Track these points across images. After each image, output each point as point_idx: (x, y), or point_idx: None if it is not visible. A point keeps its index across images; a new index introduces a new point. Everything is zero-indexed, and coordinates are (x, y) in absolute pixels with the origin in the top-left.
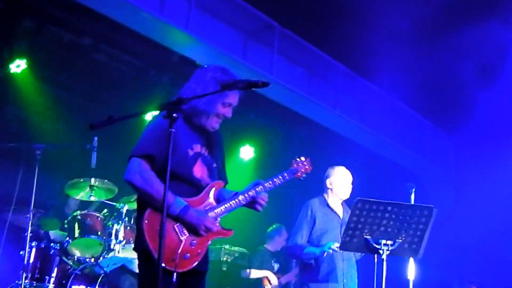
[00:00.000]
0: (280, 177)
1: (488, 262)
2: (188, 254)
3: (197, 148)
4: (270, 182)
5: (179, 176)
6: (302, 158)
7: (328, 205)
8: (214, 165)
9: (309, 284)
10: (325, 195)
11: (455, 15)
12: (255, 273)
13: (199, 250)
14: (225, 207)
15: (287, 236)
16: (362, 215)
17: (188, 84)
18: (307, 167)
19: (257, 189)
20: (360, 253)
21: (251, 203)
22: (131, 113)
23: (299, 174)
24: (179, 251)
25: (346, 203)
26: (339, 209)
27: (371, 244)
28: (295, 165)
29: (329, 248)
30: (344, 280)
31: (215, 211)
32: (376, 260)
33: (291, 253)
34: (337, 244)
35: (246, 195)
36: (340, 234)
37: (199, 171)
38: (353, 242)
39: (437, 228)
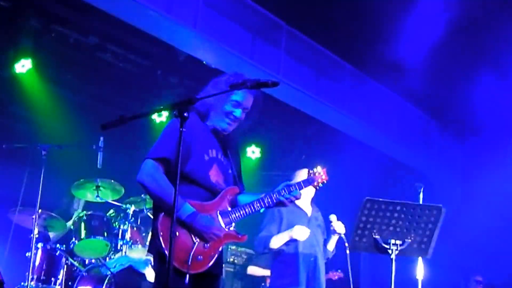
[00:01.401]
0: (296, 185)
1: (496, 261)
2: (201, 256)
3: (213, 153)
4: (292, 187)
5: (195, 181)
6: (319, 169)
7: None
8: (230, 170)
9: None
10: None
11: (469, 17)
12: (259, 272)
13: (212, 253)
14: (240, 213)
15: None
16: (371, 215)
17: (204, 88)
18: (323, 177)
19: (270, 197)
20: (332, 252)
21: (278, 204)
22: (142, 113)
23: (316, 184)
24: (192, 253)
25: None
26: (307, 207)
27: (380, 244)
28: (312, 175)
29: (297, 238)
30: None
31: (230, 217)
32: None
33: (260, 242)
34: (304, 231)
35: (261, 203)
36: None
37: (214, 176)
38: (363, 242)
39: (445, 227)
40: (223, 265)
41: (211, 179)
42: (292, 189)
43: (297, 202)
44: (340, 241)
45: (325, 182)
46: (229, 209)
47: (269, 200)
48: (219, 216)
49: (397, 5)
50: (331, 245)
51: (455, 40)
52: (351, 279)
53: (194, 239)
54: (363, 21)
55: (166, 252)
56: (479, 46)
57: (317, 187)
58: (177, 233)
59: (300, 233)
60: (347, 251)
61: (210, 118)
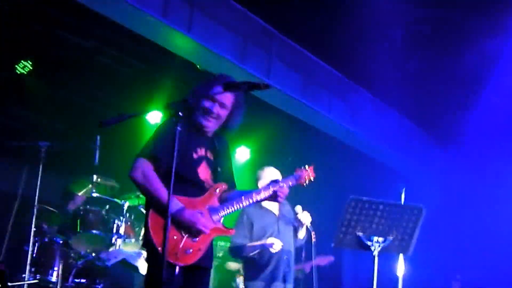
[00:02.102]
0: (283, 182)
1: (473, 260)
2: (190, 250)
3: (202, 151)
4: (280, 183)
5: (184, 177)
6: (307, 167)
7: (260, 206)
8: (219, 169)
9: (249, 282)
10: None
11: (450, 28)
12: (234, 266)
13: (201, 246)
14: (229, 209)
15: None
16: (355, 213)
17: (193, 90)
18: (311, 174)
19: (258, 193)
20: (303, 240)
21: (272, 197)
22: (139, 112)
23: (302, 181)
24: (181, 246)
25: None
26: (273, 207)
27: (363, 241)
28: (299, 172)
29: (270, 246)
30: (285, 279)
31: (219, 212)
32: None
33: (234, 252)
34: (277, 243)
35: (250, 199)
36: (278, 229)
37: (203, 173)
38: (346, 238)
39: (426, 227)
40: (216, 261)
41: (200, 176)
42: (281, 185)
43: (263, 203)
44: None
45: (312, 179)
46: (217, 204)
47: (257, 196)
48: (208, 211)
49: (386, 15)
50: (301, 234)
51: (435, 51)
52: (314, 273)
53: (183, 233)
54: (351, 29)
55: (156, 244)
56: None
57: (304, 184)
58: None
59: (274, 246)
60: (313, 240)
61: (193, 114)
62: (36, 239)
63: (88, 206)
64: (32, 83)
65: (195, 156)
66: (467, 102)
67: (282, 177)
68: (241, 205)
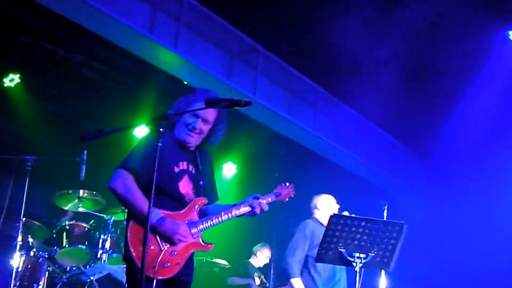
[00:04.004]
0: (264, 197)
1: (454, 275)
2: (168, 263)
3: (183, 165)
4: (260, 199)
5: (164, 191)
6: (287, 184)
7: (321, 224)
8: (201, 182)
9: None
10: (316, 216)
11: (430, 42)
12: (238, 280)
13: (179, 260)
14: (208, 223)
15: (286, 251)
16: (337, 229)
17: (175, 104)
18: (290, 191)
19: (238, 208)
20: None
21: (251, 213)
22: (120, 127)
23: (282, 197)
24: (159, 259)
25: None
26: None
27: (345, 257)
28: (279, 189)
29: None
30: None
31: (198, 226)
32: None
33: (285, 269)
34: None
35: (229, 214)
36: None
37: (184, 187)
38: (328, 254)
39: (407, 243)
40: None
41: (180, 190)
42: (261, 201)
43: (323, 222)
44: None
45: (292, 196)
46: (197, 218)
47: (237, 211)
48: (187, 226)
49: (369, 34)
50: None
51: (416, 69)
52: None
53: (161, 246)
54: (336, 48)
55: (134, 257)
56: (442, 71)
57: (284, 201)
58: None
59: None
60: None
61: (175, 131)
62: (21, 253)
63: (74, 221)
64: (19, 96)
65: (176, 170)
66: (448, 118)
67: None
68: (220, 219)
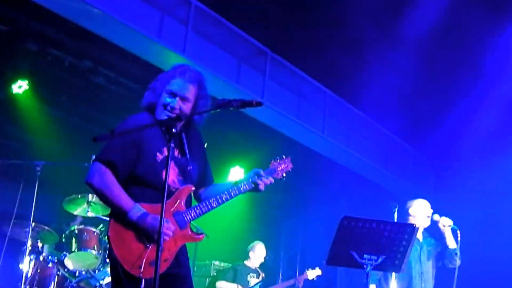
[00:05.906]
0: (266, 171)
1: (462, 277)
2: None
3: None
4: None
5: (146, 182)
6: (283, 157)
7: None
8: (190, 167)
9: None
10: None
11: (442, 45)
12: (225, 285)
13: (167, 257)
14: (196, 212)
15: None
16: (348, 231)
17: (152, 83)
18: (288, 165)
19: (239, 190)
20: (455, 249)
21: (254, 189)
22: (131, 128)
23: (277, 175)
24: (145, 258)
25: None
26: (419, 235)
27: (356, 259)
28: (274, 165)
29: None
30: None
31: (185, 216)
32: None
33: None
34: None
35: (219, 200)
36: (419, 256)
37: (170, 175)
38: (339, 257)
39: None
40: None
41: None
42: (261, 174)
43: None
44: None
45: (289, 170)
46: (184, 209)
47: (237, 191)
48: (173, 217)
49: (376, 34)
50: (450, 241)
51: (429, 70)
52: None
53: (147, 243)
54: (343, 49)
55: (118, 257)
56: (450, 76)
57: (283, 177)
58: (130, 237)
59: None
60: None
61: (156, 114)
62: (31, 257)
63: (83, 225)
64: (28, 103)
65: (159, 157)
66: (459, 122)
67: None
68: (219, 202)
